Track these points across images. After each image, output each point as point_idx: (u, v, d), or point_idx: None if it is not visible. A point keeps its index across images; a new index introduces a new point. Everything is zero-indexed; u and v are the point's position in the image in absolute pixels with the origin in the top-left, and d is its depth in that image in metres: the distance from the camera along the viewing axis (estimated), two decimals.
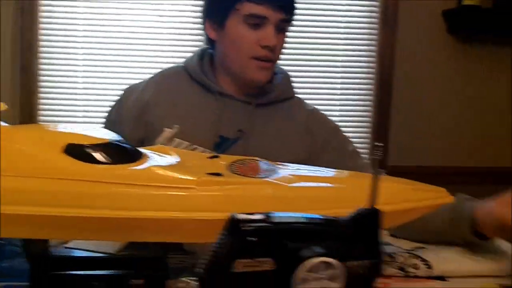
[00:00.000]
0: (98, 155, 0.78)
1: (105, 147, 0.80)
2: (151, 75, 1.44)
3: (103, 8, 2.50)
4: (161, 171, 0.79)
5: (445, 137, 2.64)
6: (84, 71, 2.51)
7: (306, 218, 0.60)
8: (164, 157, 0.87)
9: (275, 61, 1.32)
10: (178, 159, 0.86)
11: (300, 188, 0.83)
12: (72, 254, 0.98)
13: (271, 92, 1.38)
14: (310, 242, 0.58)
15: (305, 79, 2.56)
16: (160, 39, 2.52)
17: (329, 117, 1.46)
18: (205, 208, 0.76)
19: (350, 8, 2.58)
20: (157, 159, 0.84)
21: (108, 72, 2.52)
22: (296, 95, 1.45)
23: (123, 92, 1.43)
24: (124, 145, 0.85)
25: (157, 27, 2.51)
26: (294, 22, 1.31)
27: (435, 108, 2.63)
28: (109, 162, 0.78)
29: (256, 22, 1.26)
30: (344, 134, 1.43)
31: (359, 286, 0.62)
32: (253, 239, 0.56)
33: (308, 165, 1.30)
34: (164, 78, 1.40)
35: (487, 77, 2.64)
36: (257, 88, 1.36)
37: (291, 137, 1.36)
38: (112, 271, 0.88)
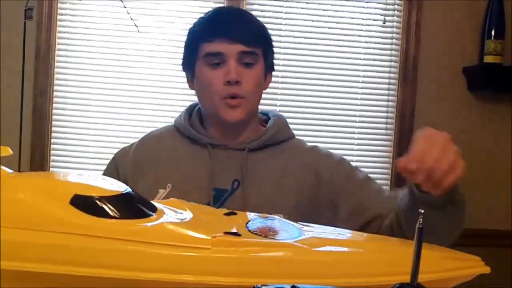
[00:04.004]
0: (106, 208, 0.72)
1: (115, 200, 0.74)
2: (142, 135, 1.38)
3: (117, 60, 2.48)
4: (173, 228, 0.73)
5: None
6: (97, 117, 2.47)
7: None
8: (180, 212, 0.80)
9: (245, 97, 1.24)
10: (191, 215, 0.80)
11: (324, 252, 0.76)
12: None
13: (262, 135, 1.29)
14: None
15: (324, 127, 2.53)
16: (175, 88, 2.49)
17: (330, 151, 1.35)
18: (220, 272, 0.69)
19: (368, 62, 2.55)
20: (171, 214, 0.78)
21: (121, 119, 2.48)
22: (296, 137, 1.36)
23: (114, 156, 1.37)
24: (138, 198, 0.79)
25: (172, 75, 2.48)
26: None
27: None
28: (117, 216, 0.72)
29: (215, 61, 1.22)
30: (350, 163, 1.33)
31: None
32: None
33: (314, 204, 1.23)
34: (153, 139, 1.35)
35: (507, 135, 2.57)
36: (236, 129, 1.28)
37: (291, 179, 1.26)
38: None
